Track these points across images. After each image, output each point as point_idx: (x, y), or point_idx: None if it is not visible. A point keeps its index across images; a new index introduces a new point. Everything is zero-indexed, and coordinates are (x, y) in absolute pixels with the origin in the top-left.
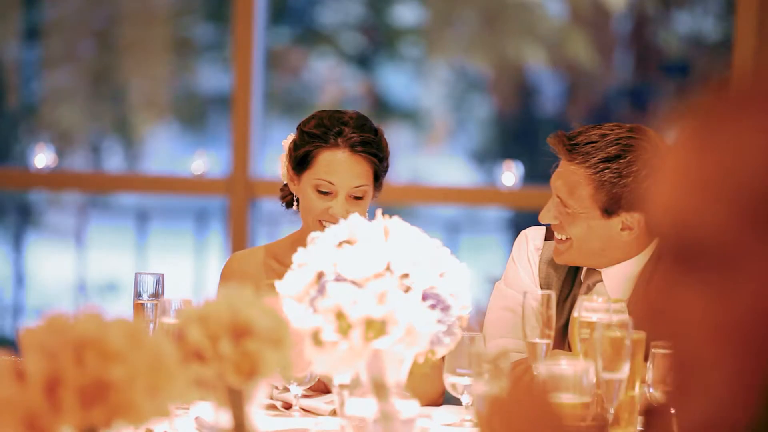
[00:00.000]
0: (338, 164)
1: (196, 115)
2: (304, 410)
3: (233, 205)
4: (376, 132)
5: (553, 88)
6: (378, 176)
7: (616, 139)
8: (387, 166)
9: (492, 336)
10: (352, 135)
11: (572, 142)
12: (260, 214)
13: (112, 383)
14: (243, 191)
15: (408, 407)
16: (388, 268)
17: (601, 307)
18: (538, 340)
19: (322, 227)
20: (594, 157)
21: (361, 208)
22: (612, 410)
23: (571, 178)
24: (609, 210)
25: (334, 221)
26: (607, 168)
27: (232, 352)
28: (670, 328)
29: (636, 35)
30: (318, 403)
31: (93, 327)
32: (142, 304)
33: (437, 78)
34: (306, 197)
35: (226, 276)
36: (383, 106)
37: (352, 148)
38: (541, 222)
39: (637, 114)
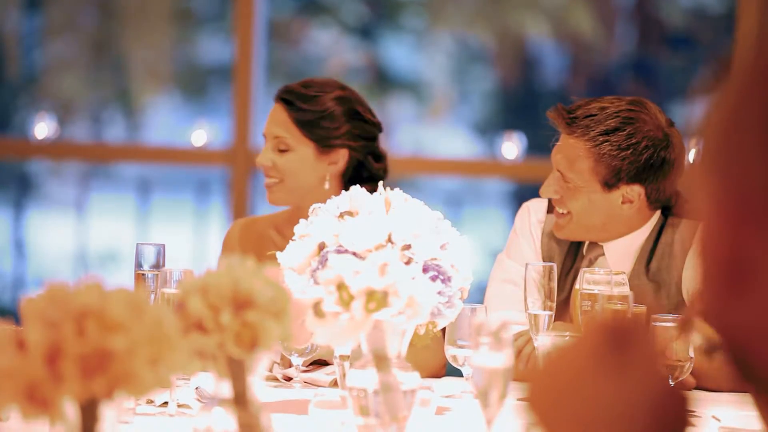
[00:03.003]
0: (270, 114)
1: (197, 85)
2: (305, 382)
3: (234, 175)
4: (320, 88)
5: (555, 61)
6: (309, 132)
7: (615, 112)
8: (322, 122)
9: (493, 308)
10: (288, 86)
11: (571, 116)
12: (261, 185)
13: (113, 353)
14: (244, 162)
15: (409, 379)
16: (389, 240)
17: (603, 279)
18: (539, 312)
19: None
20: (593, 130)
21: (285, 161)
22: None
23: (571, 152)
24: (609, 183)
25: (264, 172)
26: (607, 141)
27: (233, 323)
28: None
29: (639, 7)
30: (318, 374)
31: (94, 297)
32: (143, 275)
33: (439, 49)
34: None
35: (228, 242)
36: (385, 78)
37: (279, 95)
38: (542, 196)
39: (639, 86)
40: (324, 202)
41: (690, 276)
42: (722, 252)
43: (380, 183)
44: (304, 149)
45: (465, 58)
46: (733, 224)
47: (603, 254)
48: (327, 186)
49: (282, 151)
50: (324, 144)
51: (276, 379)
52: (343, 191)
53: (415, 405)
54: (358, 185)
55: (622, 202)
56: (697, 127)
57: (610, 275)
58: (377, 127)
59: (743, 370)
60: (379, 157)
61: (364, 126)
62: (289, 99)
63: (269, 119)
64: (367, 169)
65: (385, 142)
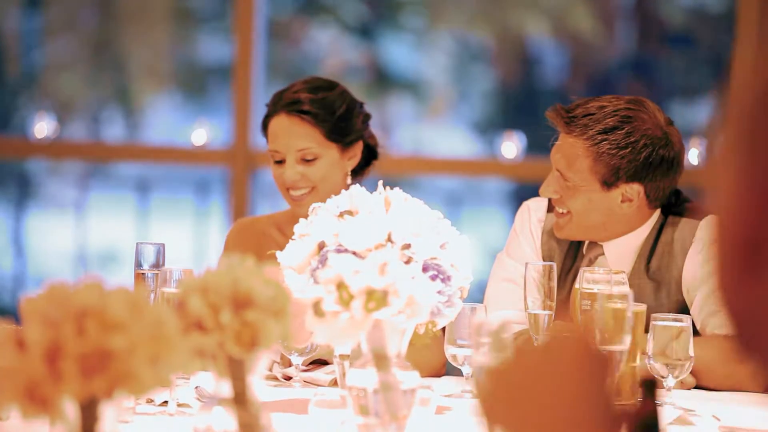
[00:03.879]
0: (279, 129)
1: (197, 85)
2: (305, 381)
3: (234, 175)
4: (323, 90)
5: (555, 60)
6: (334, 135)
7: (613, 111)
8: (341, 122)
9: (493, 307)
10: (288, 96)
11: (570, 115)
12: (261, 184)
13: (112, 353)
14: (244, 161)
15: (409, 378)
16: (389, 239)
17: (603, 278)
18: (539, 311)
19: (290, 196)
20: (592, 129)
21: (315, 169)
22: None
23: (570, 151)
24: (608, 182)
25: (290, 186)
26: (605, 140)
27: (232, 323)
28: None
29: (638, 7)
30: (318, 373)
31: (94, 296)
32: (143, 274)
33: (439, 49)
34: (272, 169)
35: (229, 242)
36: (385, 77)
37: (286, 108)
38: (542, 195)
39: (639, 85)
40: None
41: (690, 274)
42: (741, 233)
43: (380, 182)
44: (330, 154)
45: (465, 58)
46: (754, 206)
47: (603, 253)
48: (349, 181)
49: (309, 161)
50: (346, 143)
51: (276, 379)
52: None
53: (415, 404)
54: (363, 170)
55: (622, 201)
56: (723, 110)
57: (609, 274)
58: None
59: (755, 354)
60: (374, 137)
61: (362, 112)
62: (305, 110)
63: (283, 133)
64: (368, 148)
65: (383, 142)
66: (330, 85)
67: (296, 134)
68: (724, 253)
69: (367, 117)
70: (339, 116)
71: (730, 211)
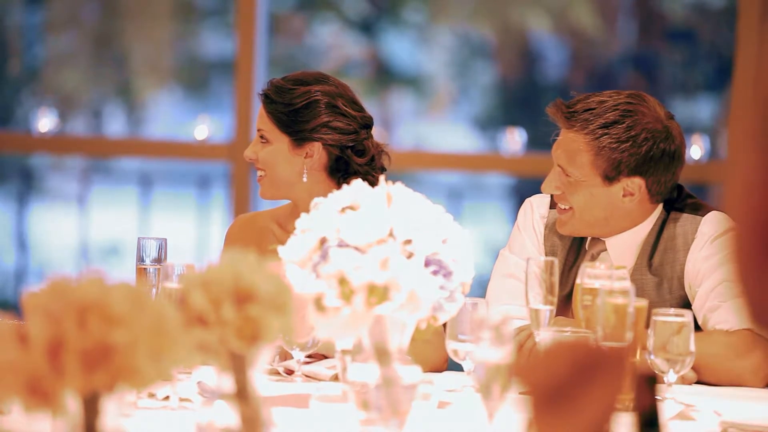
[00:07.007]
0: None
1: (198, 80)
2: (306, 376)
3: (235, 170)
4: (300, 84)
5: (556, 55)
6: (283, 125)
7: (614, 105)
8: (292, 115)
9: (495, 302)
10: (270, 81)
11: (571, 110)
12: None
13: (114, 347)
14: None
15: (410, 373)
16: (390, 234)
17: (604, 273)
18: (540, 307)
19: None
20: (592, 124)
21: (265, 152)
22: None
23: (571, 146)
24: (610, 176)
25: (245, 159)
26: (606, 134)
27: (234, 317)
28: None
29: (639, 2)
30: (320, 368)
31: (96, 291)
32: (145, 269)
33: (441, 44)
34: None
35: (229, 238)
36: (386, 72)
37: (262, 90)
38: (544, 192)
39: (640, 81)
40: (308, 195)
41: (692, 270)
42: (760, 219)
43: (381, 177)
44: (280, 143)
45: (466, 53)
46: None
47: (605, 249)
48: (305, 179)
49: (264, 142)
50: (296, 137)
51: (277, 373)
52: (345, 185)
53: (417, 399)
54: (347, 178)
55: (623, 195)
56: (743, 100)
57: (610, 270)
58: (359, 121)
59: None
60: (362, 152)
61: (341, 120)
62: (266, 92)
63: (259, 113)
64: (341, 160)
65: (384, 137)
66: (313, 80)
67: (261, 115)
68: (742, 241)
69: (344, 126)
70: (293, 109)
71: (749, 197)
